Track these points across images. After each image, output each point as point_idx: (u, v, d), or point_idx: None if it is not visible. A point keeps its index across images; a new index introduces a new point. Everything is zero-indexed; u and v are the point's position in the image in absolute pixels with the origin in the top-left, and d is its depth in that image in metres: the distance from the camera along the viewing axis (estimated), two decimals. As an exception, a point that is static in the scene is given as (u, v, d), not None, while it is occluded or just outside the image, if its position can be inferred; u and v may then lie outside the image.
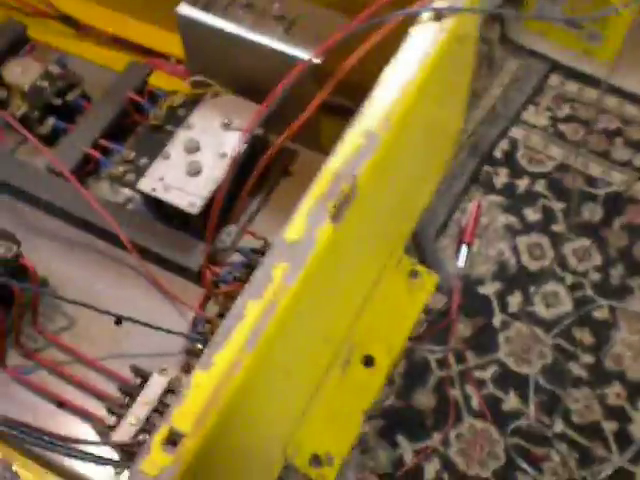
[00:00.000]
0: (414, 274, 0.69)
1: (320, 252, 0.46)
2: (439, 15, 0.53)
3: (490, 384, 1.27)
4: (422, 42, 0.53)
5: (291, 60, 0.64)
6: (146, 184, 0.69)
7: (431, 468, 1.21)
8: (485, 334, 1.32)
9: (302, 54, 0.64)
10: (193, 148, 0.71)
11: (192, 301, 0.67)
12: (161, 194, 0.68)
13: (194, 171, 0.68)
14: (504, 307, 1.34)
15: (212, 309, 0.67)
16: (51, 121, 0.80)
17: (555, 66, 1.61)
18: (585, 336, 1.30)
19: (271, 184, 0.75)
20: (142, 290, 0.70)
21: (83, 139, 0.77)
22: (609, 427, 1.22)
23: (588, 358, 1.28)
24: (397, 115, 0.51)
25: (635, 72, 1.52)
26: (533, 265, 1.38)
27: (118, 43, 0.90)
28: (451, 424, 1.23)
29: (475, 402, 1.25)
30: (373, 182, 0.51)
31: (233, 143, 0.68)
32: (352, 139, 0.50)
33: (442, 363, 1.29)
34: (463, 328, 1.32)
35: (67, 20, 0.91)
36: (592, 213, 1.42)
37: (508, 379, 1.28)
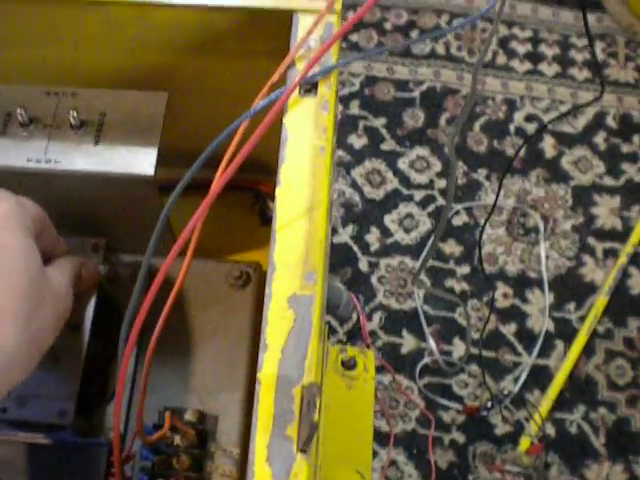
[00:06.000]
0: (348, 363, 0.55)
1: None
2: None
3: (381, 333, 1.19)
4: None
5: (121, 179, 0.44)
6: None
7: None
8: (357, 282, 1.22)
9: (139, 169, 0.44)
10: None
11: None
12: (15, 412, 0.45)
13: (50, 362, 0.46)
14: (365, 248, 1.24)
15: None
16: None
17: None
18: (453, 247, 1.24)
19: None
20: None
21: None
22: (509, 330, 1.19)
23: (464, 269, 1.23)
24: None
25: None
26: (377, 194, 1.28)
27: None
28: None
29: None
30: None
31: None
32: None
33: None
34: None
35: None
36: (414, 118, 1.34)
37: (397, 321, 1.20)
